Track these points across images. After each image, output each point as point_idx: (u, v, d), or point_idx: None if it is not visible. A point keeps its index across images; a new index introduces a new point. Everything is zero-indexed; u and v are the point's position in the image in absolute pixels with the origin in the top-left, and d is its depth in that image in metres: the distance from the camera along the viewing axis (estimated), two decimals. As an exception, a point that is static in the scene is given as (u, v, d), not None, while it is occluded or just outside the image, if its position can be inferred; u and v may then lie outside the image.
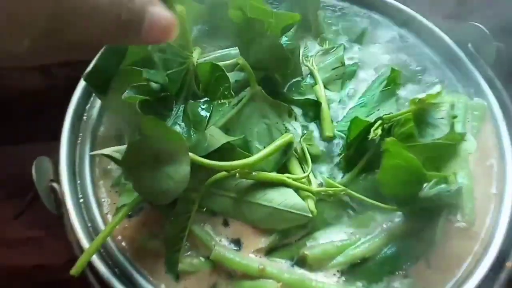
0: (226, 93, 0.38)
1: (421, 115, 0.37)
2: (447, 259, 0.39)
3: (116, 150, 0.37)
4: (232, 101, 0.44)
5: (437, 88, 0.39)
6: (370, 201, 0.39)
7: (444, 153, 0.36)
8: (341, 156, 0.43)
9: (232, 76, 0.45)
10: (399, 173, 0.35)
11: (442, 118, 0.36)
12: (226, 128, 0.43)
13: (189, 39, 0.38)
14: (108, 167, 0.44)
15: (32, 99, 0.83)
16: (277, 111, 0.45)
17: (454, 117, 0.37)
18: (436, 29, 0.54)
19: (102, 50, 0.39)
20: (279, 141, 0.41)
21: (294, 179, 0.40)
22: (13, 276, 0.66)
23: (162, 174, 0.35)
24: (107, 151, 0.37)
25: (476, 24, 0.49)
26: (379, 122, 0.38)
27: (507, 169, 0.43)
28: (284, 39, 0.46)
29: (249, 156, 0.40)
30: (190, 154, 0.36)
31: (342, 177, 0.42)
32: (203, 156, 0.38)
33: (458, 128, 0.42)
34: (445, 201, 0.36)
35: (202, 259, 0.39)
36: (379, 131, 0.38)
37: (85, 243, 0.38)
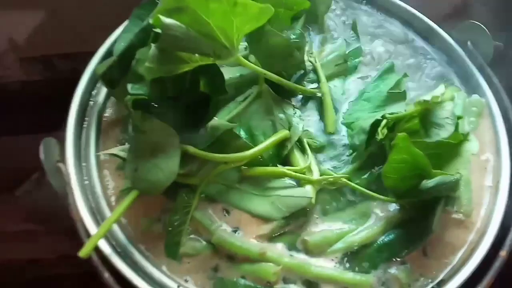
0: (220, 89, 0.39)
1: (427, 115, 0.38)
2: (443, 248, 0.40)
3: (121, 149, 0.39)
4: (239, 97, 0.46)
5: (441, 88, 0.39)
6: (369, 192, 0.40)
7: (447, 152, 0.37)
8: (346, 151, 0.44)
9: (237, 71, 0.47)
10: (404, 168, 0.36)
11: (447, 117, 0.37)
12: (232, 123, 0.44)
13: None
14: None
15: (33, 91, 0.83)
16: (281, 107, 0.47)
17: (459, 117, 0.38)
18: (436, 27, 0.55)
19: (120, 48, 0.41)
20: (275, 137, 0.43)
21: (294, 171, 0.41)
22: (6, 270, 0.66)
23: (153, 166, 0.37)
24: (113, 150, 0.40)
25: (476, 22, 0.51)
26: (385, 121, 0.39)
27: (502, 163, 0.44)
28: (292, 36, 0.47)
29: (251, 147, 0.42)
30: (188, 146, 0.38)
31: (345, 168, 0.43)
32: (206, 147, 0.40)
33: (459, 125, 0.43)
34: (444, 193, 0.37)
35: (204, 242, 0.40)
36: (385, 131, 0.39)
37: (89, 222, 0.39)
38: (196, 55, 0.37)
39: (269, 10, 0.39)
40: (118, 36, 0.47)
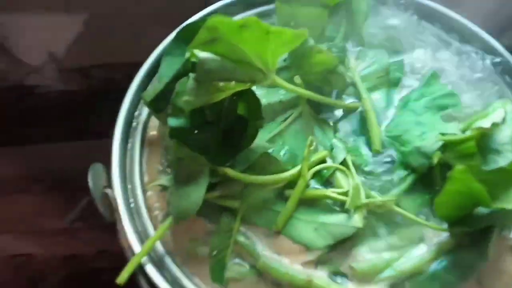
0: (257, 114, 0.40)
1: (483, 139, 0.36)
2: (500, 277, 0.38)
3: (167, 179, 0.42)
4: (279, 117, 0.46)
5: (500, 113, 0.37)
6: (418, 220, 0.38)
7: (505, 179, 0.35)
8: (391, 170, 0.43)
9: (276, 96, 0.47)
10: (459, 198, 0.34)
11: (506, 143, 0.35)
12: (272, 144, 0.44)
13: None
14: (158, 173, 0.46)
15: (71, 100, 0.87)
16: (322, 128, 0.46)
17: None
18: (484, 34, 0.52)
19: (165, 76, 0.41)
20: (314, 157, 0.42)
21: (338, 193, 0.40)
22: (46, 265, 0.70)
23: (183, 193, 0.38)
24: (160, 181, 0.43)
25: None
26: (440, 145, 0.38)
27: None
28: (334, 50, 0.46)
29: (289, 169, 0.41)
30: (227, 169, 0.39)
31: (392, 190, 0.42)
32: (246, 169, 0.40)
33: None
34: (500, 222, 0.35)
35: (248, 267, 0.40)
36: (439, 153, 0.37)
37: (137, 248, 0.40)
38: (232, 82, 0.37)
39: (303, 34, 0.38)
40: (161, 58, 0.48)
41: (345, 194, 0.41)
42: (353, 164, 0.43)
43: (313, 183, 0.43)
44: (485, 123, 0.36)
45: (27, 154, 0.82)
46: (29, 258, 0.70)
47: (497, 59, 0.51)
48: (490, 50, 0.52)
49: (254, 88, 0.44)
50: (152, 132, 0.49)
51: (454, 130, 0.38)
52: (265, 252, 0.40)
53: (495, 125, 0.35)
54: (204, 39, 0.36)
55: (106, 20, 0.78)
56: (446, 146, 0.38)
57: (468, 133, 0.37)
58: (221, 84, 0.37)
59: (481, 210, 0.35)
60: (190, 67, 0.39)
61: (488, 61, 0.51)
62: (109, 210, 0.41)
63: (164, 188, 0.45)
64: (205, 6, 0.55)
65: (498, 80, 0.50)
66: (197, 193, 0.37)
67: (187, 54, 0.37)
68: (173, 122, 0.38)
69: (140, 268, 0.39)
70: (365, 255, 0.39)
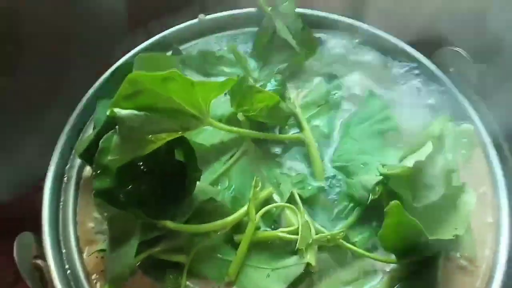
0: (193, 166, 0.38)
1: (416, 176, 0.36)
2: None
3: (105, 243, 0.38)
4: (224, 157, 0.44)
5: (428, 147, 0.37)
6: (367, 254, 0.38)
7: (442, 209, 0.35)
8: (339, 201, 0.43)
9: (218, 136, 0.45)
10: (400, 230, 0.34)
11: (437, 176, 0.35)
12: (217, 184, 0.43)
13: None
14: (94, 233, 0.42)
15: None
16: (268, 164, 0.45)
17: (452, 171, 0.36)
18: (418, 54, 0.53)
19: (99, 124, 0.39)
20: (260, 197, 0.40)
21: (288, 232, 0.39)
22: None
23: (116, 256, 0.35)
24: (97, 247, 0.40)
25: (454, 48, 0.49)
26: (379, 179, 0.38)
27: (500, 196, 0.43)
28: (273, 83, 0.46)
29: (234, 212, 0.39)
30: (167, 221, 0.37)
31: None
32: (188, 218, 0.38)
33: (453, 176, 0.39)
34: (444, 246, 0.36)
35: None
36: (381, 188, 0.37)
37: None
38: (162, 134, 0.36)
39: (231, 82, 0.38)
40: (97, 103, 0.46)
41: (296, 231, 0.40)
42: (301, 197, 0.42)
43: (262, 225, 0.42)
44: (409, 162, 0.36)
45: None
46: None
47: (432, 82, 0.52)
48: (425, 70, 0.52)
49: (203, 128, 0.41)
50: (87, 183, 0.45)
51: (394, 158, 0.38)
52: (217, 308, 0.38)
53: (419, 163, 0.36)
54: (128, 92, 0.35)
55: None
56: (388, 179, 0.38)
57: (403, 166, 0.37)
58: (150, 136, 0.35)
59: (425, 239, 0.35)
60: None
61: (424, 79, 0.52)
62: (42, 283, 0.37)
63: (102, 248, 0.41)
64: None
65: (432, 98, 0.51)
66: (128, 255, 0.34)
67: (108, 112, 0.35)
68: (99, 184, 0.35)
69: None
70: (320, 296, 0.38)
